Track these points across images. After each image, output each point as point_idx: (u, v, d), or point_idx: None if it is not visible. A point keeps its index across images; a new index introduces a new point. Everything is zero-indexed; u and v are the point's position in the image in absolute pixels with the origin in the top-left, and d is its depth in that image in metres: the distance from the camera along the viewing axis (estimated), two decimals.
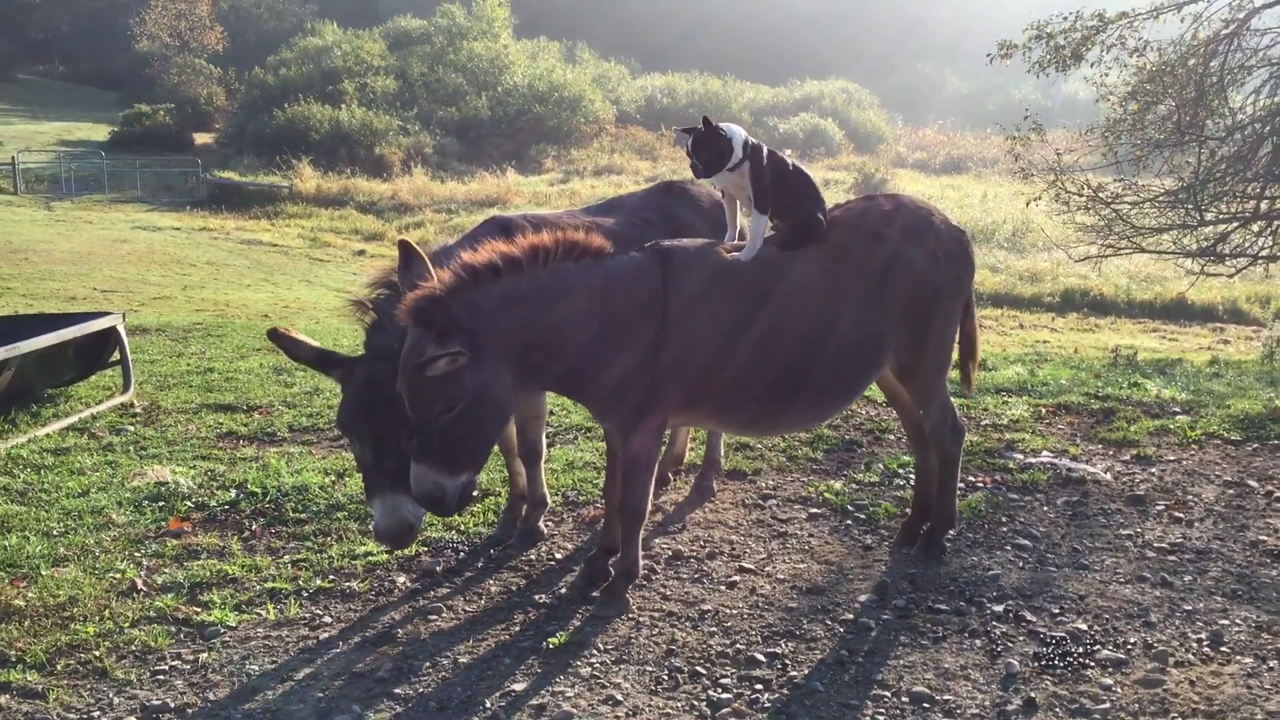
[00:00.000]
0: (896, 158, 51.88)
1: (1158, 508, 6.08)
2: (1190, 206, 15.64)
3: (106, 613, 4.61)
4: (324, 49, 54.60)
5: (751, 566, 5.20)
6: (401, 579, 5.06)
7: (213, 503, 5.98)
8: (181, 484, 6.21)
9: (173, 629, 4.51)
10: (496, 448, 5.91)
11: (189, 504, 5.96)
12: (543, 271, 4.29)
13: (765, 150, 4.76)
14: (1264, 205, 15.37)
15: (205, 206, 36.21)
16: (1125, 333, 21.85)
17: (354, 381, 4.55)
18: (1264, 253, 16.17)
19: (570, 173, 44.77)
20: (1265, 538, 5.62)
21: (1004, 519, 5.88)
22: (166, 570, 5.07)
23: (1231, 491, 6.39)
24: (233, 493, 6.11)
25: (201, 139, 50.39)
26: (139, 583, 4.91)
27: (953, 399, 5.33)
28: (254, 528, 5.66)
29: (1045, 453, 7.05)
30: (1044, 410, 8.24)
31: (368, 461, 4.55)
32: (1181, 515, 5.96)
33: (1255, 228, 15.82)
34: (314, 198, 37.24)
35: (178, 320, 13.94)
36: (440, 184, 39.28)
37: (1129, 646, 4.41)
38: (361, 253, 29.31)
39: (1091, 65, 15.48)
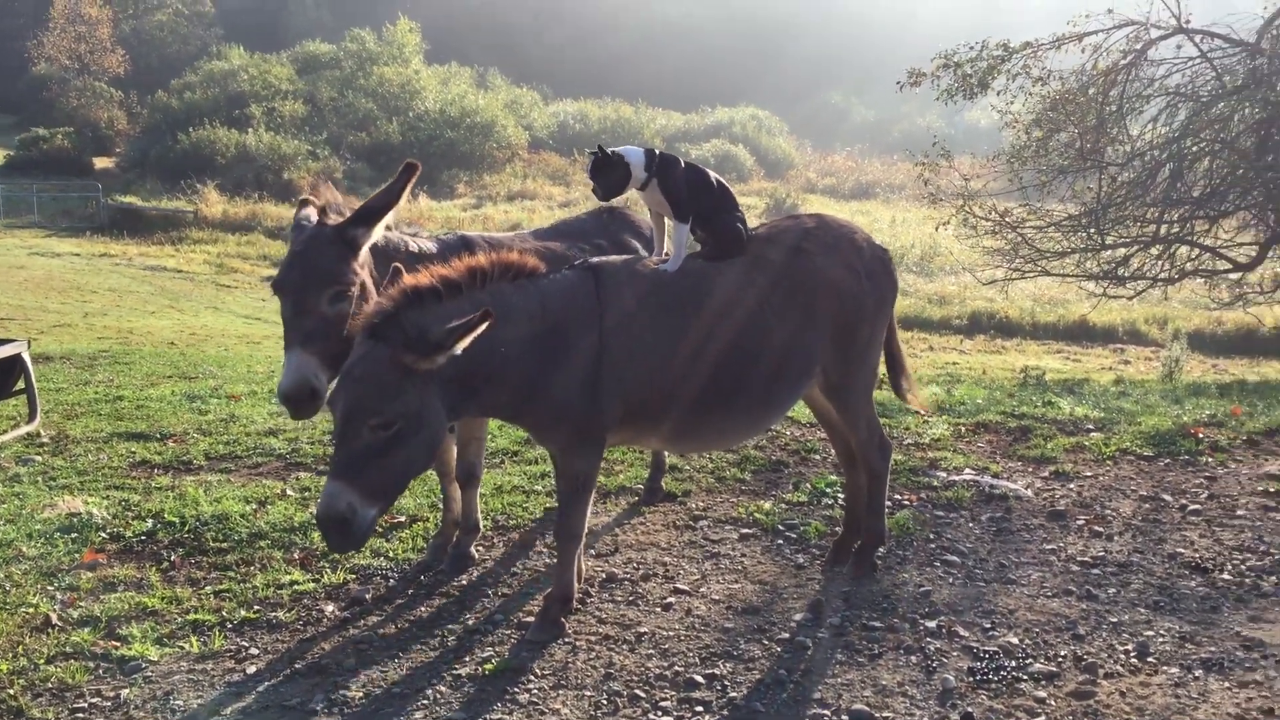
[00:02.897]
0: (806, 183, 52.83)
1: (1078, 522, 6.22)
2: (1092, 231, 16.16)
3: (20, 649, 4.41)
4: (230, 72, 53.83)
5: (686, 588, 5.18)
6: (330, 608, 4.94)
7: (128, 533, 5.76)
8: (95, 515, 5.98)
9: (91, 664, 4.32)
10: (431, 472, 5.84)
11: (103, 535, 5.74)
12: (481, 294, 4.24)
13: (682, 163, 4.84)
14: (1162, 229, 15.94)
15: (106, 232, 35.38)
16: (1031, 354, 22.43)
17: (294, 242, 4.60)
18: (1162, 275, 16.77)
19: (483, 198, 44.73)
20: (1182, 550, 5.77)
21: (931, 536, 5.95)
22: (82, 604, 4.87)
23: (1147, 506, 6.55)
24: (149, 523, 5.90)
25: (102, 163, 49.17)
26: (53, 617, 4.71)
27: (879, 418, 5.39)
28: (173, 558, 5.47)
29: (968, 470, 7.17)
30: (963, 429, 8.38)
31: (287, 317, 4.52)
32: (1101, 529, 6.09)
33: (1154, 251, 16.40)
34: (220, 223, 36.60)
35: (82, 348, 13.51)
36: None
37: (1060, 659, 4.48)
38: (270, 278, 28.76)
39: (998, 94, 15.94)
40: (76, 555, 5.45)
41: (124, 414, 8.75)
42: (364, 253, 4.65)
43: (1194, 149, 15.47)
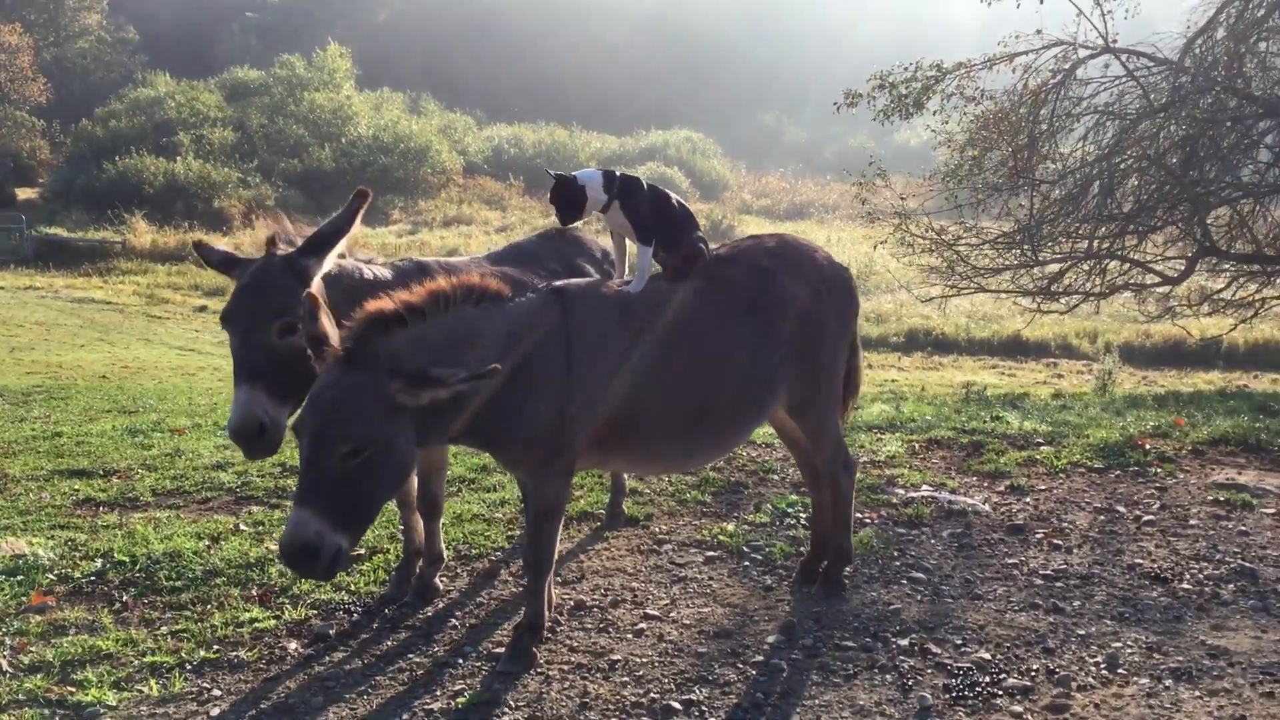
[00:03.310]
0: (742, 204, 53.18)
1: (1037, 536, 6.28)
2: (1026, 247, 16.43)
3: None
4: (156, 100, 52.88)
5: (656, 613, 5.13)
6: (293, 645, 4.81)
7: (77, 574, 5.57)
8: (40, 555, 5.77)
9: (47, 711, 4.16)
10: (390, 503, 5.72)
11: (51, 576, 5.54)
12: (445, 317, 4.17)
13: (645, 184, 4.82)
14: (1093, 245, 16.25)
15: (31, 264, 34.62)
16: (967, 369, 22.75)
17: (243, 274, 4.53)
18: (1094, 290, 17.09)
19: (419, 224, 44.37)
20: (1140, 561, 5.85)
21: (896, 553, 5.97)
22: (33, 649, 4.69)
23: (1103, 517, 6.64)
24: (98, 562, 5.71)
25: (25, 194, 47.98)
26: (4, 663, 4.53)
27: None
28: (125, 599, 5.29)
29: (925, 486, 7.22)
30: (917, 445, 8.45)
31: (236, 350, 4.45)
32: (1060, 542, 6.16)
33: (1085, 266, 16.71)
34: (150, 253, 35.94)
35: (13, 384, 13.14)
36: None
37: (1033, 673, 4.50)
38: (203, 308, 28.33)
39: (934, 113, 16.16)
40: (24, 598, 5.26)
41: (64, 450, 8.50)
42: (316, 282, 4.57)
43: (1123, 166, 15.80)
